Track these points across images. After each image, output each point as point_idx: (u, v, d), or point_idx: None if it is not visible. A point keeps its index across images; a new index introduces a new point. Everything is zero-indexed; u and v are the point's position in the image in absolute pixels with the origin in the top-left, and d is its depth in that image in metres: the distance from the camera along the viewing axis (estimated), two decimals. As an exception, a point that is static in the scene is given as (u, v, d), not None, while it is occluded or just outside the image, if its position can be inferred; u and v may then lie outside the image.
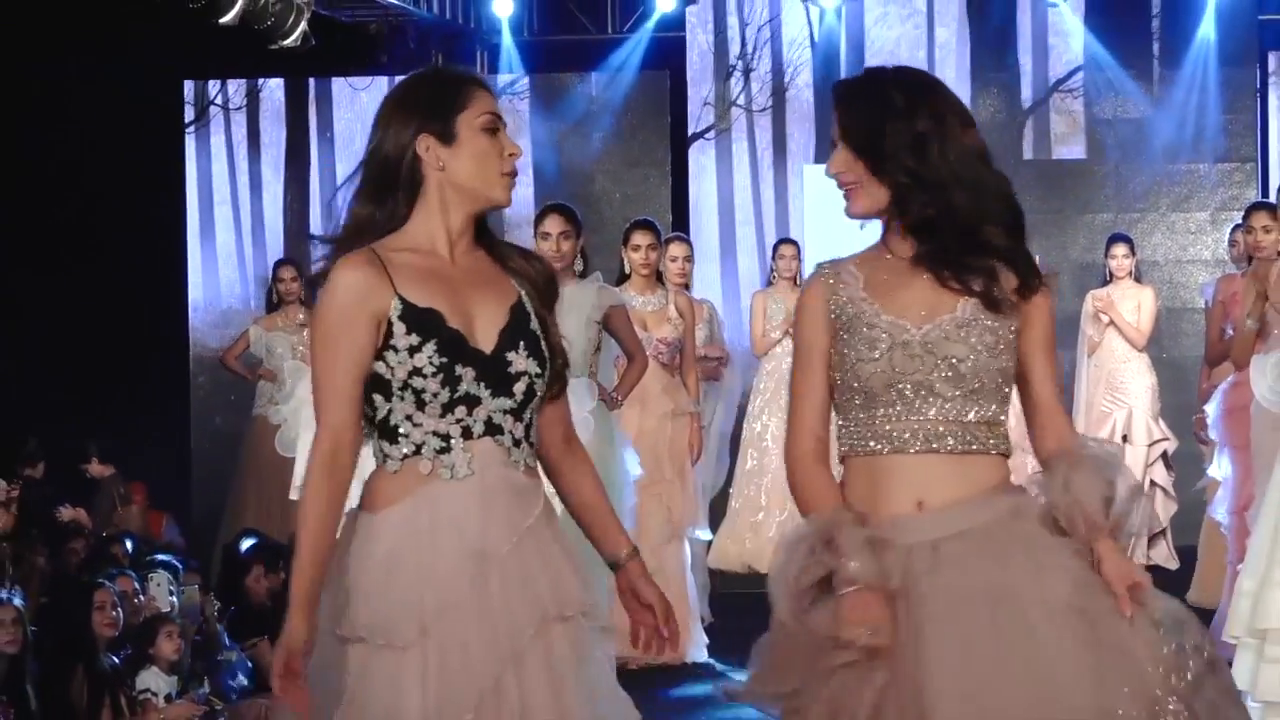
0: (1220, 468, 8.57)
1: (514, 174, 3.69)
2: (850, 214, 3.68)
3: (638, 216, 9.68)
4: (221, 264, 13.32)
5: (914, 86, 3.63)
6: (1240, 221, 9.61)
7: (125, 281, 12.38)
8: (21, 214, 11.93)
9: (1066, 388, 11.69)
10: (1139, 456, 10.86)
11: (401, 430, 3.58)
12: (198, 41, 11.35)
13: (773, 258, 11.12)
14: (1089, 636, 3.47)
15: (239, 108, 13.39)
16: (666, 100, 13.40)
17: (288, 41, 10.67)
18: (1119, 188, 13.07)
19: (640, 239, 9.02)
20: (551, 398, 3.71)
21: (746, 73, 13.36)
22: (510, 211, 9.86)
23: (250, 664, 7.53)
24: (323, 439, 3.56)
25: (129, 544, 8.44)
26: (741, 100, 13.38)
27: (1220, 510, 8.51)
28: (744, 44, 13.37)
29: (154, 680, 6.84)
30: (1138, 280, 10.97)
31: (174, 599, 7.50)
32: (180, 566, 7.92)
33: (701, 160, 13.40)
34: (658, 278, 9.16)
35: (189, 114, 13.36)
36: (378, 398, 3.58)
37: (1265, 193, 11.86)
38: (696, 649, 8.85)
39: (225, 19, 9.98)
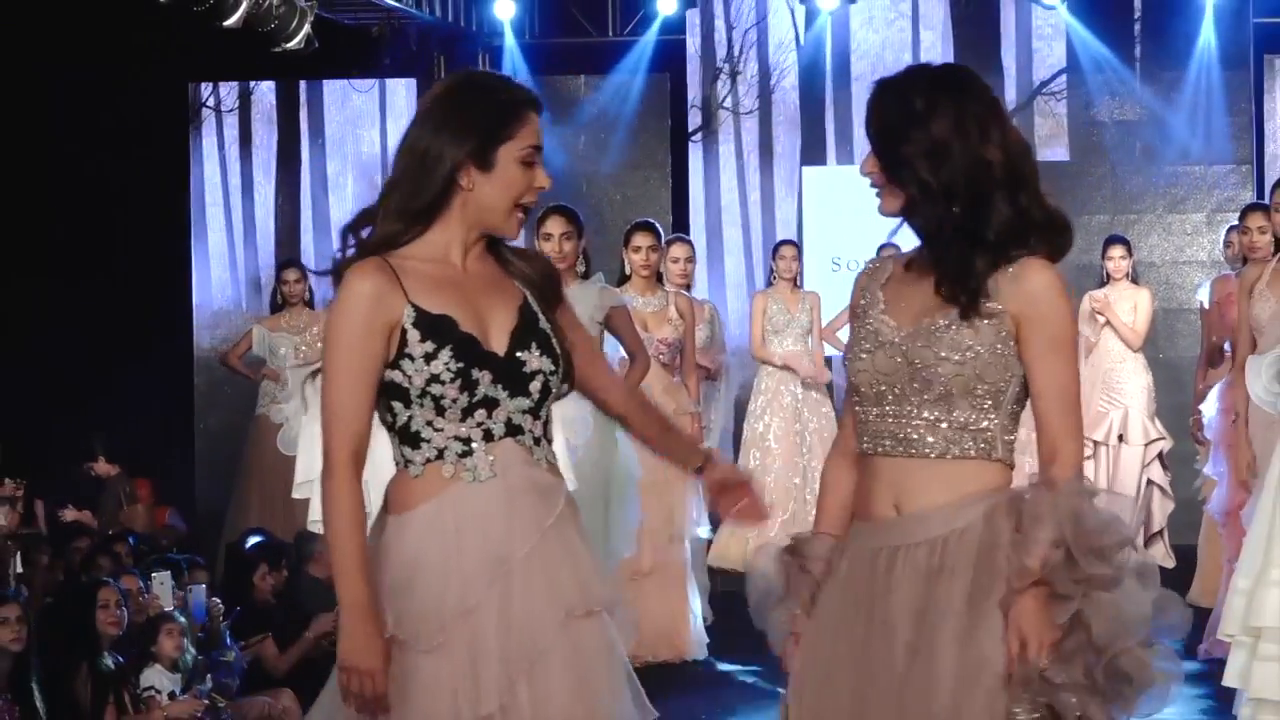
0: (1215, 467, 8.61)
1: (530, 206, 3.74)
2: (881, 212, 3.66)
3: (638, 218, 9.73)
4: (213, 265, 13.35)
5: (940, 88, 3.54)
6: (1236, 223, 9.66)
7: (133, 281, 12.45)
8: (26, 215, 11.98)
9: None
10: (1135, 456, 10.91)
11: (423, 436, 3.60)
12: (202, 45, 11.38)
13: (773, 258, 11.18)
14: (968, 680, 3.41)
15: (231, 110, 13.43)
16: (667, 102, 13.44)
17: (291, 44, 10.70)
18: (1116, 189, 13.11)
19: (641, 240, 9.07)
20: (592, 377, 3.81)
21: (733, 75, 13.39)
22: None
23: (245, 662, 7.59)
24: (342, 446, 3.57)
25: (133, 543, 8.49)
26: (728, 103, 13.42)
27: (1216, 509, 8.55)
28: (730, 47, 13.40)
29: (157, 678, 6.87)
30: (1134, 281, 11.01)
31: (182, 595, 7.53)
32: (184, 565, 7.97)
33: (691, 162, 13.43)
34: (658, 279, 9.21)
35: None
36: (396, 405, 3.61)
37: (1261, 194, 11.88)
38: (697, 648, 8.90)
39: (229, 22, 10.01)
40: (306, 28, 10.72)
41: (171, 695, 6.83)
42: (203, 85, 13.33)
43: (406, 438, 3.62)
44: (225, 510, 11.14)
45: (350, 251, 3.67)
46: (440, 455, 3.60)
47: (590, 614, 3.61)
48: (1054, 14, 13.05)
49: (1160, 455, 10.96)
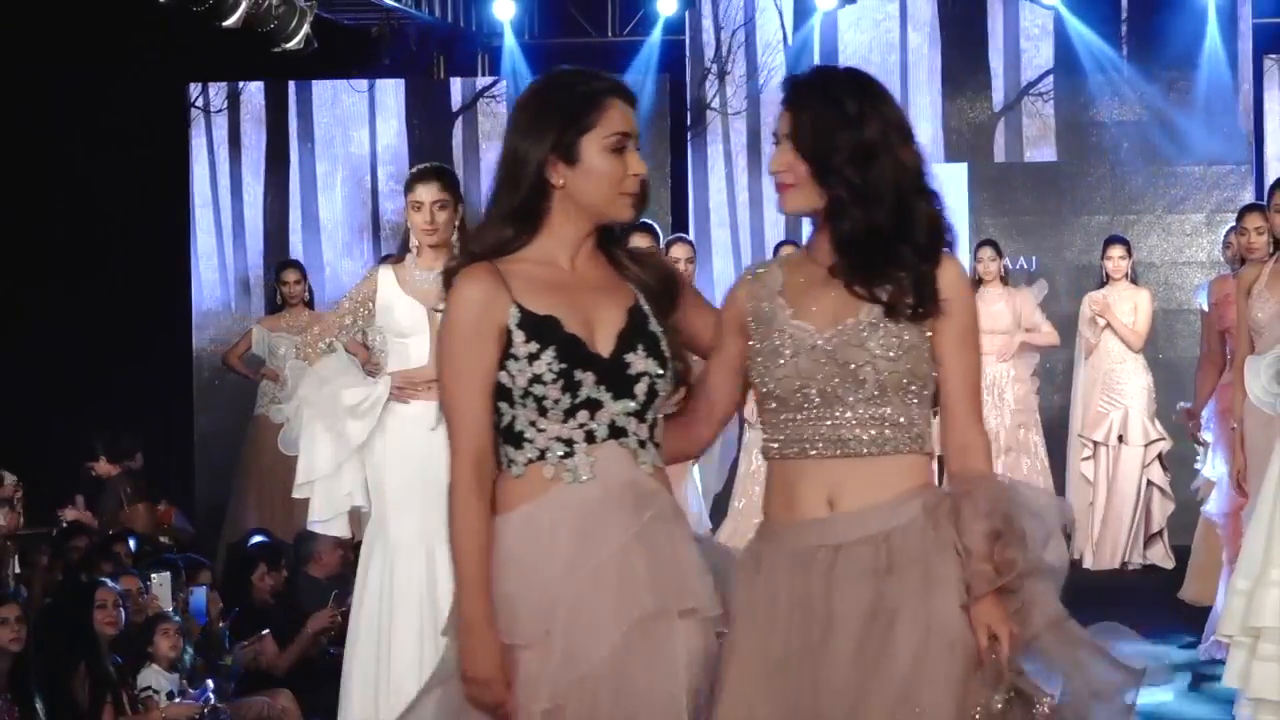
0: (1214, 467, 8.61)
1: (636, 193, 3.69)
2: (782, 209, 3.71)
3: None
4: (202, 265, 13.33)
5: (866, 93, 3.61)
6: (1234, 223, 9.65)
7: (132, 281, 12.45)
8: (26, 215, 11.99)
9: (1064, 388, 11.77)
10: (1135, 457, 10.91)
11: (526, 436, 3.60)
12: (201, 45, 11.39)
13: (773, 258, 11.13)
14: (948, 667, 3.46)
15: (219, 110, 13.41)
16: (667, 102, 13.45)
17: (291, 44, 10.72)
18: (1115, 190, 13.11)
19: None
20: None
21: (721, 76, 13.39)
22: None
23: (244, 664, 7.60)
24: (465, 454, 3.58)
25: (132, 543, 8.49)
26: (716, 104, 13.41)
27: (1214, 509, 8.55)
28: (719, 47, 13.40)
29: (156, 678, 6.88)
30: (1134, 282, 11.01)
31: (183, 596, 7.54)
32: (183, 566, 7.96)
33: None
34: (657, 279, 9.21)
35: (175, 117, 13.43)
36: (501, 405, 3.60)
37: (1260, 195, 11.88)
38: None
39: (229, 22, 10.03)
40: (306, 28, 10.73)
41: (170, 695, 6.83)
42: (192, 86, 13.31)
43: (510, 438, 3.61)
44: (225, 510, 11.15)
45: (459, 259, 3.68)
46: (542, 456, 3.59)
47: (687, 612, 3.57)
48: (1041, 15, 13.06)
49: (1160, 456, 10.97)
